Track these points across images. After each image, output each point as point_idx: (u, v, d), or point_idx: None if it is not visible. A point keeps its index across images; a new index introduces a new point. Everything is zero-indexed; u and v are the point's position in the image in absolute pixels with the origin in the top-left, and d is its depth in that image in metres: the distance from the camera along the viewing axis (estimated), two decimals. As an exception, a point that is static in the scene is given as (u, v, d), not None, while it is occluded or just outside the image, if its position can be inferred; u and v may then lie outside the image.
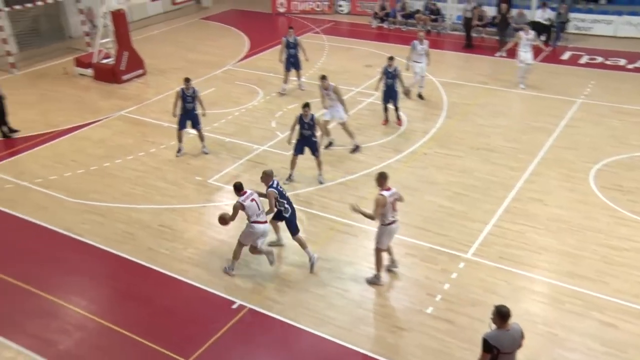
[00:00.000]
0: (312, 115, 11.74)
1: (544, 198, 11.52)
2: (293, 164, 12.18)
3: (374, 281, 9.35)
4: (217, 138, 14.16)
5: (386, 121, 14.78)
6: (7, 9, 19.56)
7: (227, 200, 11.75)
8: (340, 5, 26.40)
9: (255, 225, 9.16)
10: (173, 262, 9.93)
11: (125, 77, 18.44)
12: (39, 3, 20.34)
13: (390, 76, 14.14)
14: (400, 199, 8.95)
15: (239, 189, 9.14)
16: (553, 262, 9.77)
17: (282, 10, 26.78)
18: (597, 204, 11.28)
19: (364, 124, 14.86)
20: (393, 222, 8.91)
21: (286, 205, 9.51)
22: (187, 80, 13.16)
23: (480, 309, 8.61)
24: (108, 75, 18.42)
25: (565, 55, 19.98)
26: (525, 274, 9.49)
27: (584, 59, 19.53)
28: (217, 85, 17.75)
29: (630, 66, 18.76)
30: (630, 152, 13.20)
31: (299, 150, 12.03)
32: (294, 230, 9.68)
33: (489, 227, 10.66)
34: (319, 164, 12.14)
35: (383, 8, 24.24)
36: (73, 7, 22.04)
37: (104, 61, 18.88)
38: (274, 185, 9.34)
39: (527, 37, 16.56)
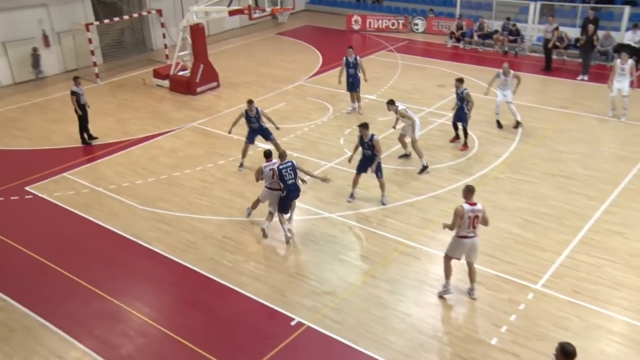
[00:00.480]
0: (372, 136, 11.76)
1: (625, 231, 10.93)
2: (355, 182, 12.24)
3: (442, 292, 9.41)
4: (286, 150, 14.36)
5: (455, 138, 14.69)
6: (96, 22, 20.89)
7: (293, 216, 11.88)
8: (415, 24, 26.35)
9: (267, 189, 11.10)
10: (234, 274, 10.13)
11: (199, 89, 19.15)
12: (126, 17, 21.62)
13: (459, 98, 14.11)
14: (484, 219, 8.94)
15: (267, 156, 11.12)
16: (633, 300, 9.22)
17: (356, 27, 27.03)
18: (685, 241, 10.58)
19: (434, 144, 14.68)
20: (467, 237, 8.93)
21: (282, 185, 10.73)
22: (249, 102, 13.53)
23: (549, 344, 8.21)
24: (183, 86, 19.20)
25: (657, 80, 18.96)
26: (601, 311, 9.00)
27: (678, 85, 18.45)
28: (288, 100, 18.09)
29: None
30: None
31: (360, 169, 12.10)
32: (281, 208, 10.97)
33: (561, 258, 10.22)
34: (382, 186, 12.09)
35: (460, 27, 23.98)
36: (156, 20, 23.21)
37: (181, 73, 19.71)
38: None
39: (621, 66, 15.71)
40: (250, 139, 13.66)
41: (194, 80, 19.05)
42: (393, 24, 26.55)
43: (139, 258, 10.70)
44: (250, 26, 27.49)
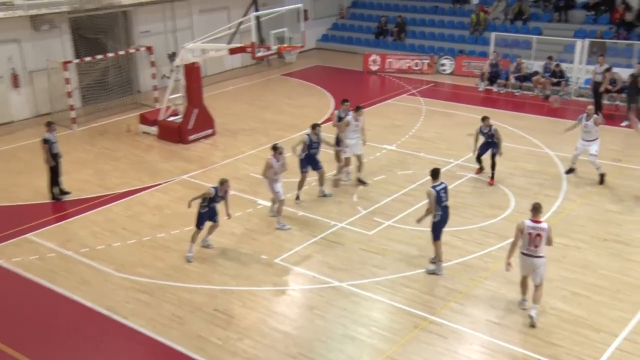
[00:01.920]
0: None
1: (694, 308, 10.72)
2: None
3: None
4: (289, 211, 14.47)
5: (480, 170, 16.07)
6: (76, 60, 21.49)
7: (294, 285, 11.84)
8: (442, 64, 26.87)
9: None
10: (225, 354, 10.00)
11: (192, 137, 19.48)
12: (110, 55, 22.25)
13: (488, 137, 15.39)
14: (549, 239, 10.14)
15: (275, 148, 13.51)
16: None
17: (374, 68, 27.62)
18: None
19: (462, 202, 14.68)
20: (528, 255, 10.22)
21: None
22: (314, 126, 15.12)
23: None
24: (173, 134, 19.55)
25: None
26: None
27: None
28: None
29: None
30: None
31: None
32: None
33: (618, 341, 10.00)
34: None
35: (493, 65, 24.29)
36: (145, 59, 23.91)
37: (171, 119, 20.12)
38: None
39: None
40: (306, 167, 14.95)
41: (186, 126, 19.41)
42: (417, 64, 27.11)
43: (113, 336, 10.60)
44: (253, 66, 28.20)
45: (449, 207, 11.76)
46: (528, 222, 10.17)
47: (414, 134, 19.42)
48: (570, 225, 13.62)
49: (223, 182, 12.79)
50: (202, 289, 11.73)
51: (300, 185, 14.99)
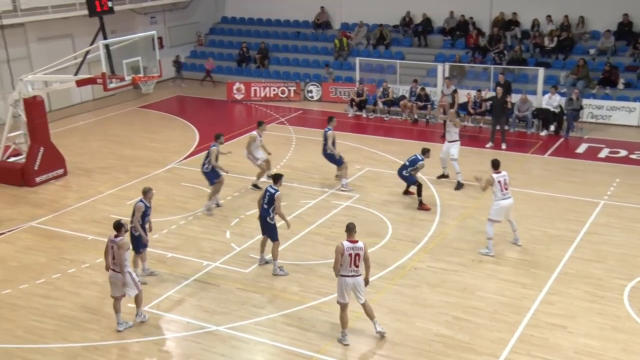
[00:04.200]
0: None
1: (568, 324, 11.54)
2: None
3: (341, 339, 11.04)
4: (157, 253, 14.09)
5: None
6: None
7: (168, 334, 11.47)
8: (309, 91, 27.51)
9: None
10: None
11: (38, 178, 18.55)
12: None
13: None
14: (366, 258, 10.74)
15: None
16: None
17: (239, 96, 27.76)
18: (637, 332, 11.31)
19: (339, 232, 14.94)
20: (350, 276, 10.70)
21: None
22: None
23: None
24: (16, 176, 18.53)
25: (581, 148, 20.88)
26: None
27: (604, 152, 20.42)
28: (159, 187, 17.79)
29: (659, 160, 19.61)
30: (668, 263, 13.50)
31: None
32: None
33: (500, 362, 10.57)
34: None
35: (359, 94, 25.26)
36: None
37: (13, 159, 19.07)
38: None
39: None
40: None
41: (32, 167, 18.46)
42: (283, 92, 27.56)
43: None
44: (106, 98, 27.38)
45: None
46: (346, 244, 10.57)
47: (286, 164, 19.65)
48: (447, 248, 14.29)
49: (147, 191, 12.86)
50: (60, 349, 11.09)
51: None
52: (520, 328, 11.40)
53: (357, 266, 10.62)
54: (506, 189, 13.78)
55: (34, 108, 18.57)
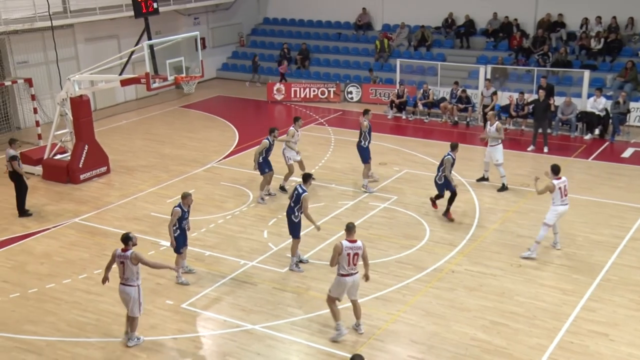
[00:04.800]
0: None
1: (610, 332, 11.35)
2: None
3: (336, 336, 11.10)
4: (195, 251, 14.27)
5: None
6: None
7: (205, 331, 11.62)
8: (349, 92, 27.52)
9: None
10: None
11: (83, 175, 18.92)
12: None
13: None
14: (365, 257, 10.90)
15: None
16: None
17: (279, 97, 27.91)
18: (681, 340, 11.09)
19: (376, 234, 15.00)
20: (348, 275, 10.79)
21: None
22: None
23: None
24: (62, 173, 18.93)
25: (627, 153, 20.49)
26: None
27: (651, 157, 20.03)
28: (198, 187, 18.14)
29: None
30: None
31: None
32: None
33: (538, 368, 10.46)
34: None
35: (399, 96, 25.17)
36: (25, 92, 23.07)
37: (59, 157, 19.49)
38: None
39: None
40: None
41: (76, 165, 18.85)
42: (322, 93, 27.63)
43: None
44: (149, 98, 27.81)
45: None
46: (345, 243, 10.71)
47: (323, 165, 19.70)
48: (485, 252, 14.17)
49: (186, 196, 12.89)
50: (100, 343, 11.32)
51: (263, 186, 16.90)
52: (559, 334, 11.26)
53: (355, 264, 10.80)
54: (565, 195, 13.67)
55: (80, 107, 18.94)
